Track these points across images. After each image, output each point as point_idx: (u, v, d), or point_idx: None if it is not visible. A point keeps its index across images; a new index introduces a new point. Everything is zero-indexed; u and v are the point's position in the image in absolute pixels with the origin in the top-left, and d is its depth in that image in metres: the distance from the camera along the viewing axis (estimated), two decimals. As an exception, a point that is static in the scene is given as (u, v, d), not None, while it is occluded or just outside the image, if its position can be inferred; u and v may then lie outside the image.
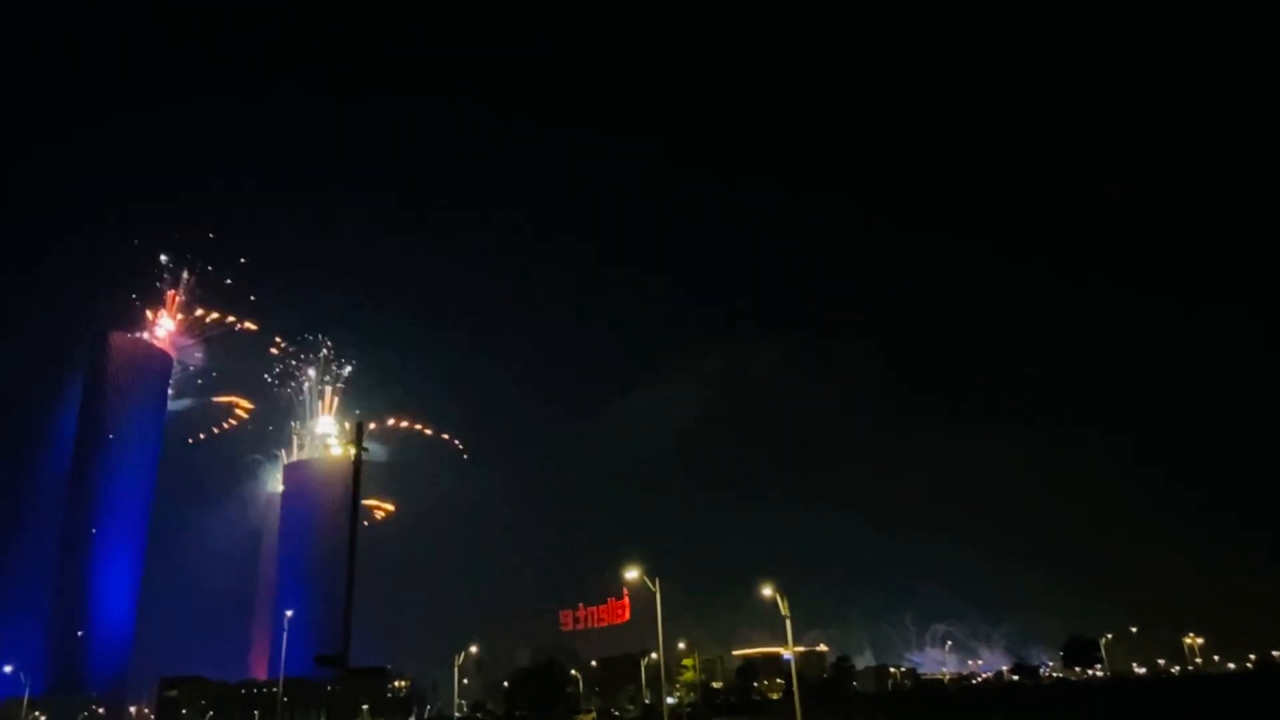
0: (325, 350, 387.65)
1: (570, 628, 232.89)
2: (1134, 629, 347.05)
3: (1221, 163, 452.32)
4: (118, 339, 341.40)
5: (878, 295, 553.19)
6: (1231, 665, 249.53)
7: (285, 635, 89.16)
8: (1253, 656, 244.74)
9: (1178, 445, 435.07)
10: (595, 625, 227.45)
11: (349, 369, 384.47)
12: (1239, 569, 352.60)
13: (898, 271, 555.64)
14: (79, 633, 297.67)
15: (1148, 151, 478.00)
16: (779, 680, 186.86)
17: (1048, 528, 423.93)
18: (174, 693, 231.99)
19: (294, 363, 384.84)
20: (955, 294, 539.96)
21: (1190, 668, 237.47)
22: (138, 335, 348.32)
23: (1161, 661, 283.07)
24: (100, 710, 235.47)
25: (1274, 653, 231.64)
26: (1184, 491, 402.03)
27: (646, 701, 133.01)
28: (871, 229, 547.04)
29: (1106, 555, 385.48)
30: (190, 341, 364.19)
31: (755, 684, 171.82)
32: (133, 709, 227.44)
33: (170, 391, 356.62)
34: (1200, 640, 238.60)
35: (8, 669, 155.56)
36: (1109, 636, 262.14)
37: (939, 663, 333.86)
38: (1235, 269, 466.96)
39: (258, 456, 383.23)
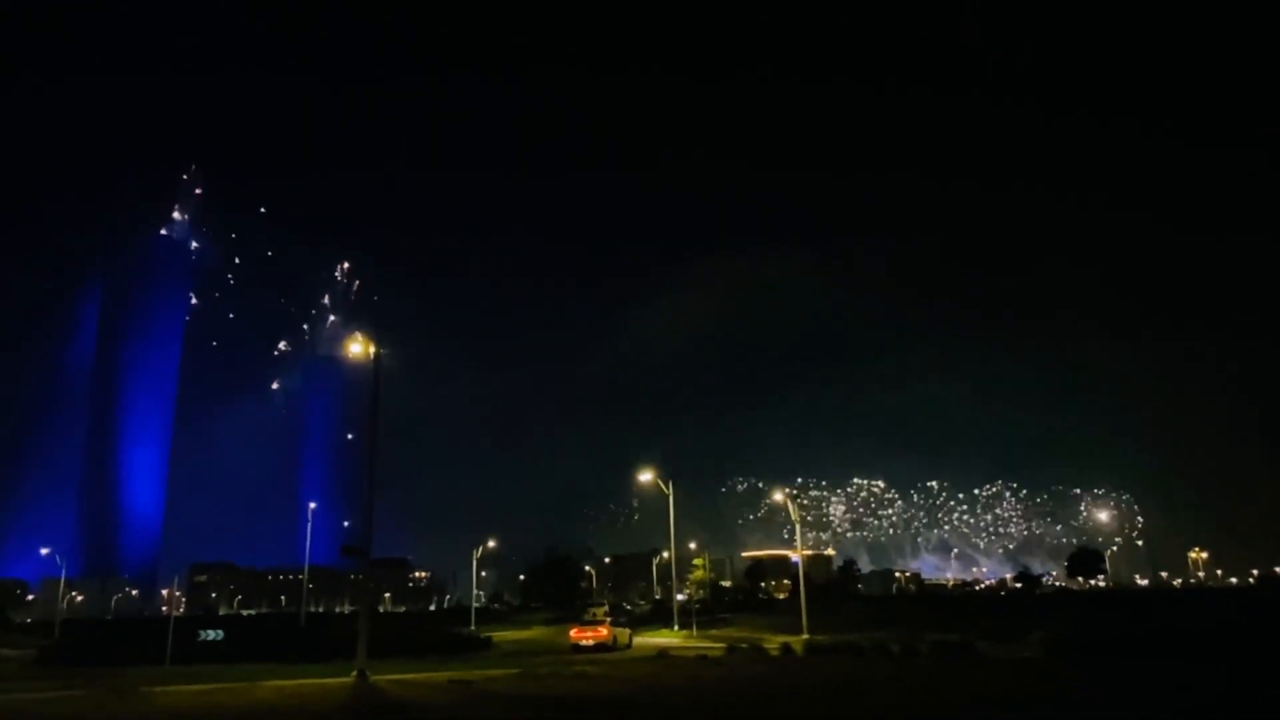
0: (342, 267, 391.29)
1: None
2: (1140, 542, 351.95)
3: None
4: (138, 233, 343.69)
5: (895, 206, 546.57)
6: (1234, 580, 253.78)
7: (309, 526, 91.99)
8: (1255, 572, 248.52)
9: (1200, 363, 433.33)
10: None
11: (359, 284, 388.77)
12: (1249, 487, 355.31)
13: (917, 180, 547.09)
14: (110, 519, 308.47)
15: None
16: (785, 581, 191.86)
17: (1058, 444, 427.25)
18: (204, 578, 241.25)
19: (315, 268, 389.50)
20: (977, 206, 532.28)
21: (1192, 580, 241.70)
22: (158, 229, 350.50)
23: (1165, 574, 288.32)
24: (134, 592, 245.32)
25: (1277, 569, 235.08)
26: (1200, 409, 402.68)
27: (657, 597, 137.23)
28: (890, 137, 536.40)
29: (1118, 471, 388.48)
30: (209, 238, 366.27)
31: (762, 584, 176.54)
32: (164, 592, 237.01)
33: (193, 293, 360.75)
34: (1205, 555, 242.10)
35: (44, 551, 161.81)
36: (1114, 548, 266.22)
37: (935, 568, 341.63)
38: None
39: (281, 352, 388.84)
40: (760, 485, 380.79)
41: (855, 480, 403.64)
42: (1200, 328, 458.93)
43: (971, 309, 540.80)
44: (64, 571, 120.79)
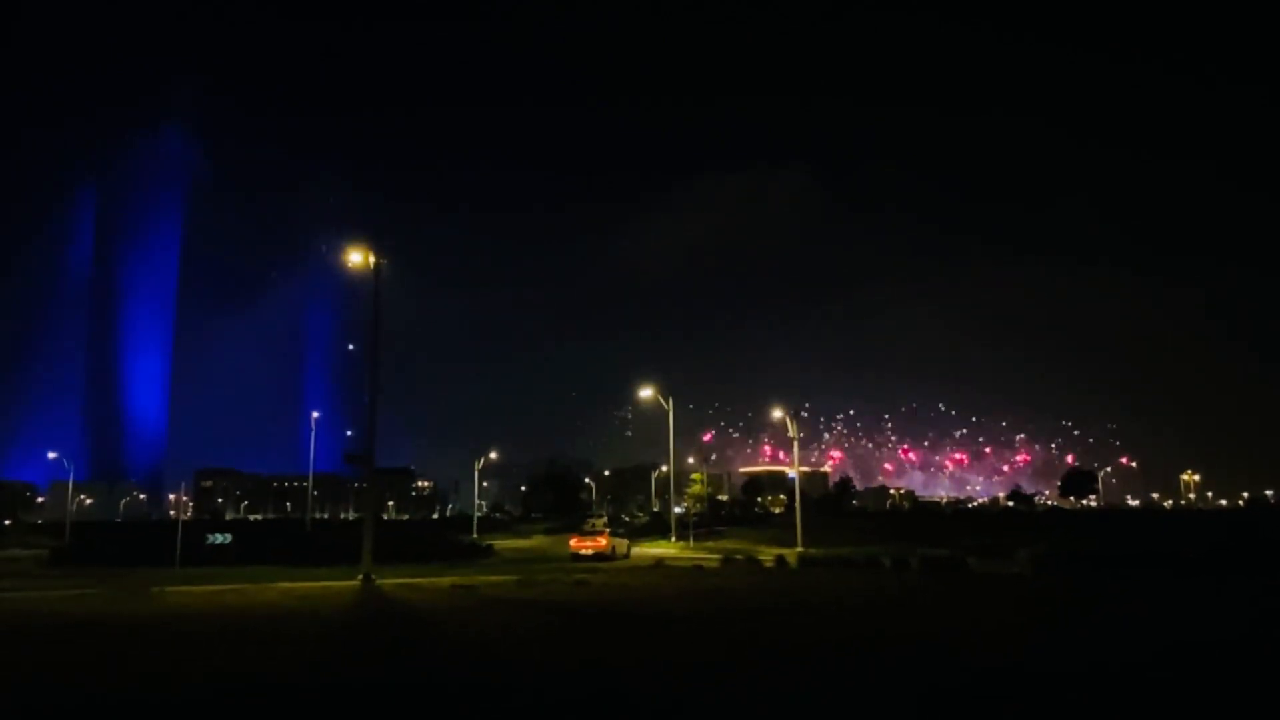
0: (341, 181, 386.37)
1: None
2: (1134, 464, 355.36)
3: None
4: (137, 137, 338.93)
5: (906, 124, 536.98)
6: (1224, 502, 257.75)
7: (313, 435, 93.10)
8: (1245, 495, 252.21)
9: (1195, 291, 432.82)
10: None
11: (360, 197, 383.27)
12: (1244, 412, 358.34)
13: (924, 100, 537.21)
14: (115, 423, 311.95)
15: None
16: (781, 496, 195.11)
17: (1055, 365, 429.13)
18: (209, 483, 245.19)
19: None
20: (977, 133, 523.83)
21: (1183, 502, 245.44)
22: (157, 134, 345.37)
23: (1156, 495, 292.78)
24: (141, 496, 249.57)
25: (1266, 492, 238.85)
26: (1194, 336, 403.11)
27: (655, 510, 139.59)
28: (892, 59, 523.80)
29: (1114, 394, 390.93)
30: (211, 145, 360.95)
31: (759, 499, 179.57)
32: (171, 496, 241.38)
33: (193, 200, 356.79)
34: (1197, 477, 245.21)
35: (51, 455, 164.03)
36: (1108, 469, 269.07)
37: (928, 486, 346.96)
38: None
39: (282, 261, 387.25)
40: (746, 411, 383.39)
41: (850, 409, 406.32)
42: (1196, 259, 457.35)
43: (969, 235, 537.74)
44: (72, 475, 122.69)
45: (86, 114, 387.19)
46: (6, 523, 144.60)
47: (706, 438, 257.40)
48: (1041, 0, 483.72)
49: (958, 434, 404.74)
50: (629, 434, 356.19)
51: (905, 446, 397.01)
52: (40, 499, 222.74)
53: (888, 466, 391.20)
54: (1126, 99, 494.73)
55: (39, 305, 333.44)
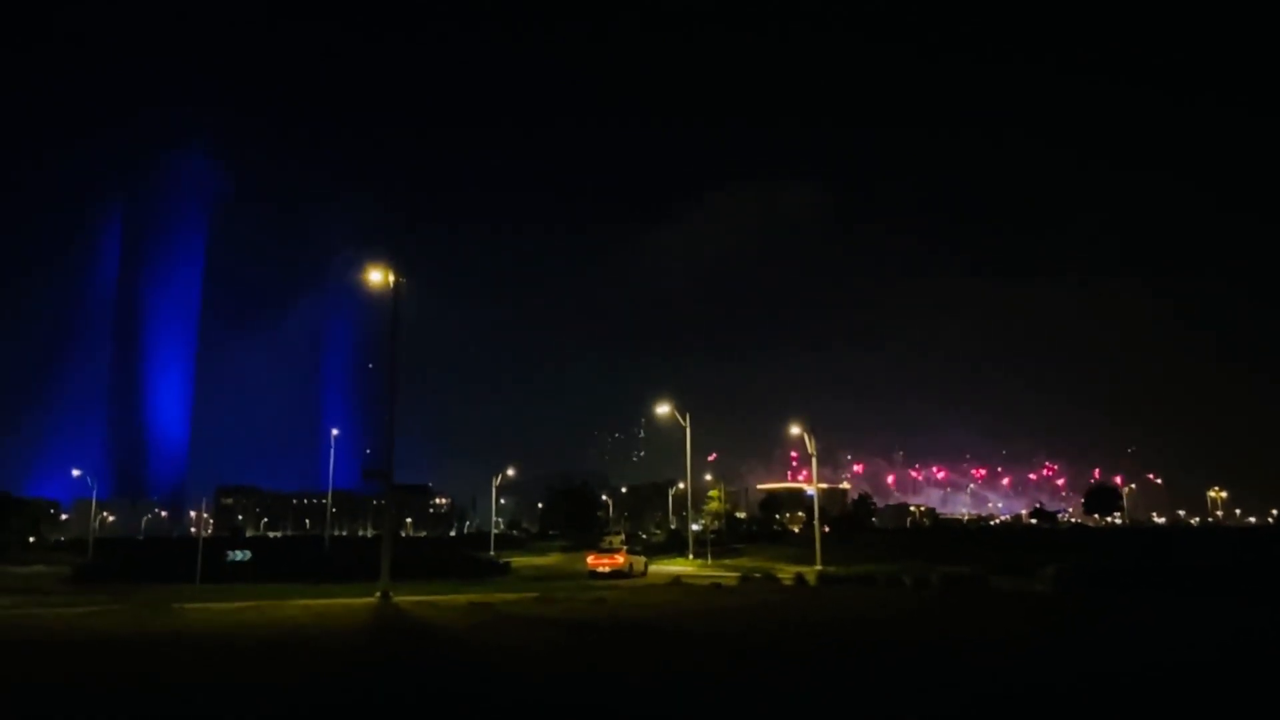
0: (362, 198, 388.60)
1: None
2: (1159, 480, 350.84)
3: None
4: (160, 158, 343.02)
5: (919, 142, 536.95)
6: (1252, 519, 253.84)
7: (332, 452, 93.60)
8: (1275, 511, 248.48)
9: (1218, 305, 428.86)
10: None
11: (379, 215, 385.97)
12: (1272, 426, 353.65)
13: (937, 118, 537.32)
14: (137, 442, 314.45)
15: None
16: (800, 514, 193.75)
17: (1076, 380, 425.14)
18: (230, 500, 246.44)
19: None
20: (999, 147, 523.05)
21: (1210, 519, 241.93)
22: (180, 155, 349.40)
23: (1182, 512, 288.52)
24: (163, 513, 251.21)
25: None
26: (1220, 350, 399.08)
27: (672, 527, 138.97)
28: (911, 73, 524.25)
29: (1138, 410, 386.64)
30: (232, 165, 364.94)
31: (777, 516, 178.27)
32: (192, 513, 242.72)
33: (215, 219, 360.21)
34: (1224, 494, 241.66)
35: (75, 473, 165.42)
36: (1132, 486, 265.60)
37: (948, 503, 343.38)
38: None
39: (302, 279, 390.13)
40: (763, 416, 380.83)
41: (866, 426, 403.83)
42: (1216, 276, 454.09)
43: (986, 252, 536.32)
44: (95, 492, 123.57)
45: (110, 132, 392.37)
46: (30, 540, 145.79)
47: (711, 458, 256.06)
48: (1046, 24, 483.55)
49: (978, 452, 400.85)
50: (641, 454, 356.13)
51: (922, 464, 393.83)
52: (64, 516, 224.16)
53: (914, 474, 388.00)
54: (1138, 120, 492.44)
55: (63, 323, 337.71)
